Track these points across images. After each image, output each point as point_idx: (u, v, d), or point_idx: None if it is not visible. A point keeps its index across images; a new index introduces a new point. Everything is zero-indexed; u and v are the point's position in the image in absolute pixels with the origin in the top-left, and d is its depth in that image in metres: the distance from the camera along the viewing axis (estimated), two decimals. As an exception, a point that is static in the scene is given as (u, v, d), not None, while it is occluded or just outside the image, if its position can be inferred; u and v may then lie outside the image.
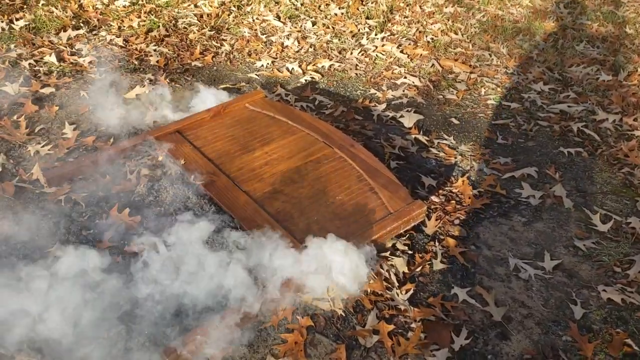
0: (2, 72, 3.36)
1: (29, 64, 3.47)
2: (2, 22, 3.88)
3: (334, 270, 2.03)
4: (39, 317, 1.82)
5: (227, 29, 4.29)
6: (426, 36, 4.33)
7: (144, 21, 4.21)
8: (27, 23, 3.91)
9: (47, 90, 3.22)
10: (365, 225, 2.23)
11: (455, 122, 3.34)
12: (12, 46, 3.65)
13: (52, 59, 3.54)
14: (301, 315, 2.01)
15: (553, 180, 2.86)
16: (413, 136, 3.13)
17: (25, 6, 4.17)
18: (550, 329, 2.05)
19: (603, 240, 2.47)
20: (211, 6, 4.54)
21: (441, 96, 3.61)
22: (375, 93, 3.59)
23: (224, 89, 3.48)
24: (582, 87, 3.71)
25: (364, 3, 4.82)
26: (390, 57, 4.03)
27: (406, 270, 2.22)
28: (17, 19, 3.94)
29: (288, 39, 4.18)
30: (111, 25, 4.10)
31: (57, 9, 4.13)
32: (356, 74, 3.82)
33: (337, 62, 3.93)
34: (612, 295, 2.17)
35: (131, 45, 3.88)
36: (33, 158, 2.67)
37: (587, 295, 2.19)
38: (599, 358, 1.95)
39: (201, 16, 4.40)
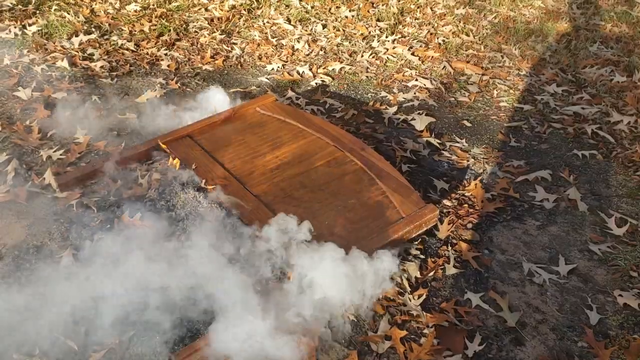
0: (15, 77, 3.38)
1: (42, 69, 3.50)
2: (15, 27, 3.91)
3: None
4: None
5: (238, 32, 4.29)
6: (437, 38, 4.30)
7: (155, 25, 4.23)
8: (39, 28, 3.94)
9: (59, 95, 3.24)
10: (376, 230, 2.21)
11: (468, 124, 3.32)
12: (25, 51, 3.68)
13: (64, 63, 3.56)
14: (313, 320, 1.99)
15: (567, 183, 2.82)
16: (425, 139, 3.11)
17: (37, 12, 4.20)
18: (565, 334, 2.02)
19: (619, 244, 2.43)
20: (222, 10, 4.55)
21: (453, 98, 3.58)
22: (386, 96, 3.58)
23: (234, 92, 3.49)
24: (596, 89, 3.66)
25: (374, 5, 4.81)
26: (401, 59, 4.01)
27: (418, 275, 2.20)
28: (29, 25, 3.97)
29: (298, 42, 4.17)
30: (122, 30, 4.12)
31: (69, 14, 4.16)
32: (367, 76, 3.80)
33: (347, 64, 3.92)
34: (629, 300, 2.14)
35: (142, 50, 3.90)
36: (45, 163, 2.69)
37: (602, 301, 2.16)
38: (616, 365, 1.92)
39: (212, 20, 4.41)
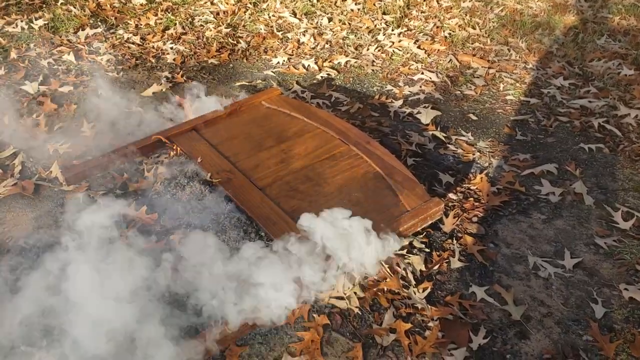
0: (22, 70, 3.40)
1: (48, 62, 3.51)
2: (22, 21, 3.93)
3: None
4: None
5: (244, 26, 4.29)
6: (444, 31, 4.29)
7: (161, 19, 4.23)
8: (46, 22, 3.96)
9: (65, 89, 3.25)
10: (382, 223, 2.21)
11: (474, 118, 3.31)
12: (31, 45, 3.69)
13: (71, 57, 3.58)
14: (317, 313, 2.00)
15: (573, 176, 2.81)
16: (430, 133, 3.10)
17: (44, 5, 4.21)
18: (570, 328, 2.02)
19: (625, 238, 2.42)
20: (227, 3, 4.55)
21: (459, 92, 3.57)
22: (392, 89, 3.57)
23: (240, 86, 3.49)
24: (603, 82, 3.64)
25: (380, -2, 4.79)
26: (407, 52, 4.00)
27: (423, 269, 2.20)
28: (36, 19, 3.98)
29: (304, 35, 4.17)
30: (128, 24, 4.12)
31: (75, 7, 4.17)
32: (372, 70, 3.80)
33: (353, 58, 3.91)
34: (634, 294, 2.13)
35: (148, 44, 3.91)
36: (52, 156, 2.70)
37: (608, 294, 2.16)
38: (621, 358, 1.91)
39: (217, 13, 4.41)
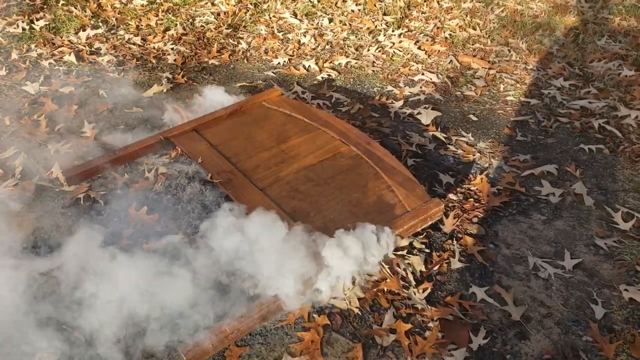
0: (23, 71, 3.41)
1: (49, 63, 3.52)
2: (23, 22, 3.93)
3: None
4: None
5: (244, 27, 4.30)
6: (444, 32, 4.29)
7: (162, 20, 4.24)
8: (47, 23, 3.96)
9: (66, 90, 3.26)
10: (382, 223, 2.21)
11: (474, 118, 3.31)
12: (32, 46, 3.70)
13: (72, 58, 3.58)
14: (317, 313, 2.01)
15: (573, 177, 2.81)
16: (431, 133, 3.11)
17: (45, 6, 4.22)
18: (570, 329, 2.02)
19: (625, 238, 2.42)
20: (228, 4, 4.56)
21: (459, 93, 3.57)
22: (392, 90, 3.57)
23: (240, 87, 3.50)
24: (603, 83, 3.64)
25: (381, -1, 4.80)
26: (408, 53, 4.00)
27: (423, 269, 2.20)
28: (37, 19, 3.99)
29: (305, 36, 4.17)
30: (129, 24, 4.13)
31: (76, 8, 4.18)
32: (373, 70, 3.80)
33: (353, 59, 3.92)
34: (634, 295, 2.13)
35: (149, 44, 3.91)
36: (53, 157, 2.71)
37: (608, 295, 2.16)
38: (621, 359, 1.91)
39: (218, 14, 4.41)
